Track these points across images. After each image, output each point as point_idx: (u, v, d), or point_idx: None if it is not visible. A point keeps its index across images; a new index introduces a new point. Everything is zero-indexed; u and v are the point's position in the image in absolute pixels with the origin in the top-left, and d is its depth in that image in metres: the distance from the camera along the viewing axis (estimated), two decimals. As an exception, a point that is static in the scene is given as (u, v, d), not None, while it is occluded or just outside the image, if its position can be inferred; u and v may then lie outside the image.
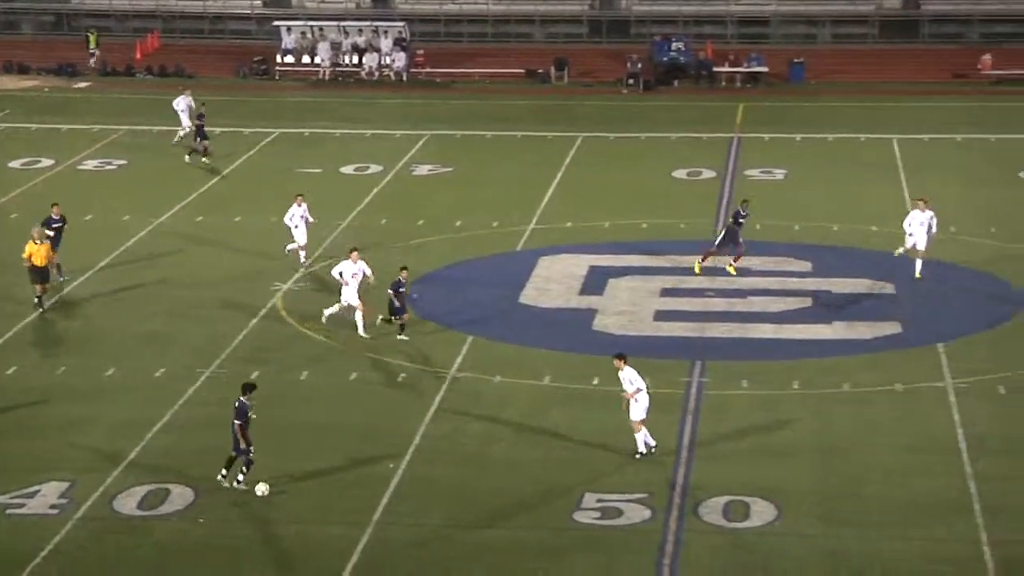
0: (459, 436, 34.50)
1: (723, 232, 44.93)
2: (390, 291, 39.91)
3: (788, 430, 34.63)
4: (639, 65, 73.31)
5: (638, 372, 32.87)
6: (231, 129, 61.33)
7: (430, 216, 51.12)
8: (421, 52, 77.05)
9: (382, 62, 75.93)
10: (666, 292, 43.77)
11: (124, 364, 38.76)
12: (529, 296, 43.79)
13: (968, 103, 69.01)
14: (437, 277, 45.02)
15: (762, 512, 30.70)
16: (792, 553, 29.25)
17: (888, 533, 29.87)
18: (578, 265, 46.14)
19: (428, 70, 75.80)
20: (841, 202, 52.60)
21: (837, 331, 40.78)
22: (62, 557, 29.32)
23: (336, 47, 76.53)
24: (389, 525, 30.43)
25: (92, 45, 77.53)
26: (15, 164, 59.04)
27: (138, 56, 79.01)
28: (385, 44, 76.23)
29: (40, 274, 42.49)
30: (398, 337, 39.95)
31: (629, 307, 42.63)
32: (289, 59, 76.73)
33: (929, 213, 43.80)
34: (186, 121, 60.24)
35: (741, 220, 44.43)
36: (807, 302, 42.90)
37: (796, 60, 73.89)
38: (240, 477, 31.51)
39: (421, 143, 61.86)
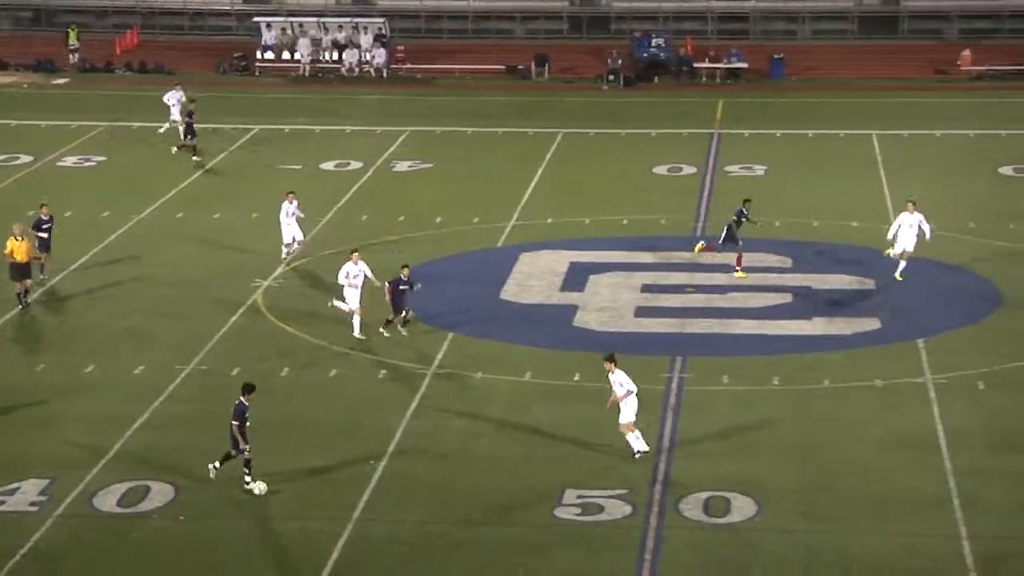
0: (440, 433, 34.49)
1: (725, 232, 44.52)
2: (388, 288, 39.72)
3: (768, 426, 34.68)
4: (619, 61, 73.32)
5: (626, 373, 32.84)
6: (211, 125, 61.21)
7: (411, 212, 51.08)
8: (401, 48, 76.98)
9: (362, 58, 75.85)
10: (647, 288, 43.81)
11: (104, 361, 38.69)
12: (510, 292, 43.80)
13: (948, 99, 69.17)
14: (418, 273, 44.91)
15: (742, 508, 30.75)
16: (772, 548, 29.30)
17: (868, 528, 29.94)
18: (559, 261, 46.16)
19: (408, 66, 75.74)
20: (821, 198, 52.66)
21: (817, 327, 40.85)
22: (42, 555, 29.25)
23: (316, 43, 76.44)
24: (370, 522, 30.42)
25: (73, 40, 77.30)
26: (-6, 160, 58.96)
27: (117, 52, 78.84)
28: (365, 40, 76.16)
29: (21, 271, 42.36)
30: (399, 329, 39.80)
31: (610, 303, 42.66)
32: (269, 55, 76.64)
33: (918, 215, 43.72)
34: (176, 115, 60.11)
35: (743, 220, 44.18)
36: (787, 298, 42.96)
37: (776, 56, 73.99)
38: (247, 479, 31.36)
39: (401, 139, 61.81)
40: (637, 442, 32.75)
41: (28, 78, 75.37)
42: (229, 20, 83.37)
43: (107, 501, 31.24)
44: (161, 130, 60.55)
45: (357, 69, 75.59)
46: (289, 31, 77.03)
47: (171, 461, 32.76)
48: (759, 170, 56.93)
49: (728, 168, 57.22)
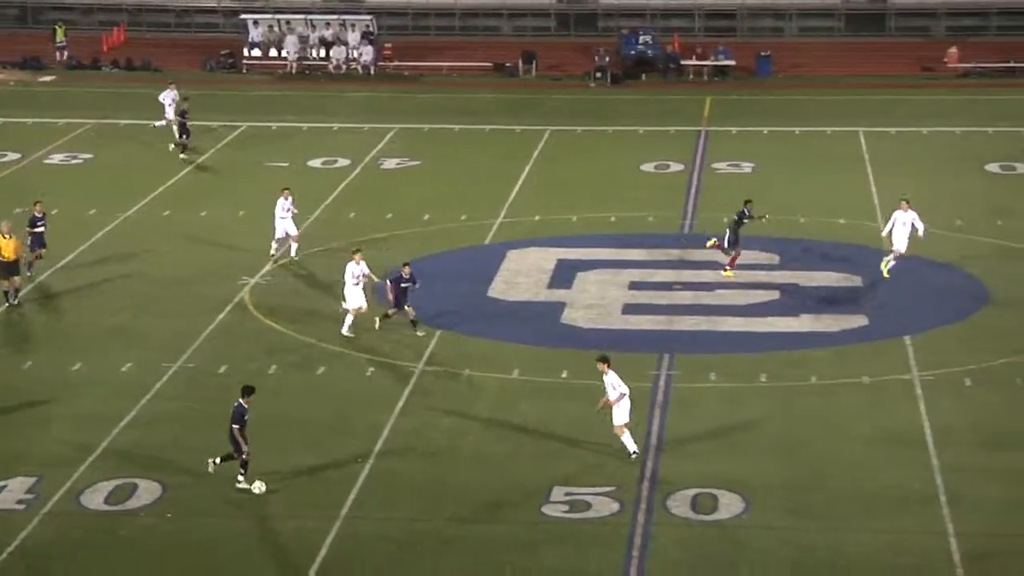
0: (428, 430, 34.48)
1: (727, 232, 44.34)
2: (390, 286, 39.66)
3: (755, 423, 34.70)
4: (607, 58, 73.34)
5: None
6: (198, 123, 61.09)
7: (398, 210, 51.06)
8: (389, 45, 76.93)
9: (349, 55, 75.81)
10: (634, 285, 43.83)
11: (91, 358, 38.64)
12: (498, 290, 43.80)
13: (934, 96, 69.28)
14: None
15: (730, 505, 30.78)
16: (759, 545, 29.33)
17: (854, 525, 29.98)
18: (546, 259, 46.17)
19: (396, 63, 75.70)
20: (808, 195, 52.72)
21: (804, 324, 40.89)
22: (29, 552, 29.22)
23: (303, 40, 76.38)
24: (358, 519, 30.41)
25: (60, 38, 77.16)
26: (-19, 158, 58.86)
27: (104, 49, 78.73)
28: (352, 37, 76.13)
29: (8, 268, 42.28)
30: (415, 331, 39.65)
31: (597, 300, 42.67)
32: (256, 52, 76.57)
33: (912, 213, 43.67)
34: (170, 114, 60.04)
35: (743, 220, 44.10)
36: (775, 295, 43.01)
37: (763, 53, 74.05)
38: (240, 479, 31.32)
39: (389, 136, 61.80)
40: (632, 443, 32.71)
41: (15, 75, 75.22)
42: (216, 17, 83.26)
43: (94, 499, 31.20)
44: (154, 125, 60.47)
45: (344, 66, 75.55)
46: (276, 28, 76.96)
47: (158, 459, 32.73)
48: (746, 167, 56.98)
49: (715, 165, 57.26)
